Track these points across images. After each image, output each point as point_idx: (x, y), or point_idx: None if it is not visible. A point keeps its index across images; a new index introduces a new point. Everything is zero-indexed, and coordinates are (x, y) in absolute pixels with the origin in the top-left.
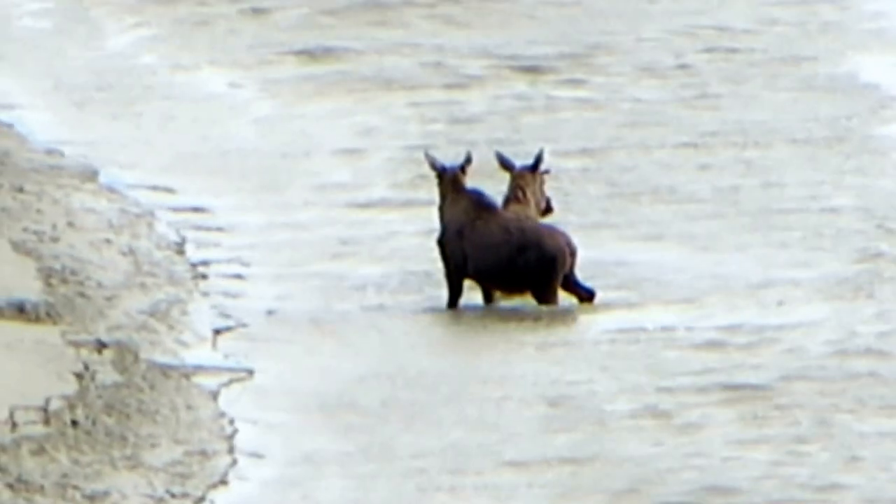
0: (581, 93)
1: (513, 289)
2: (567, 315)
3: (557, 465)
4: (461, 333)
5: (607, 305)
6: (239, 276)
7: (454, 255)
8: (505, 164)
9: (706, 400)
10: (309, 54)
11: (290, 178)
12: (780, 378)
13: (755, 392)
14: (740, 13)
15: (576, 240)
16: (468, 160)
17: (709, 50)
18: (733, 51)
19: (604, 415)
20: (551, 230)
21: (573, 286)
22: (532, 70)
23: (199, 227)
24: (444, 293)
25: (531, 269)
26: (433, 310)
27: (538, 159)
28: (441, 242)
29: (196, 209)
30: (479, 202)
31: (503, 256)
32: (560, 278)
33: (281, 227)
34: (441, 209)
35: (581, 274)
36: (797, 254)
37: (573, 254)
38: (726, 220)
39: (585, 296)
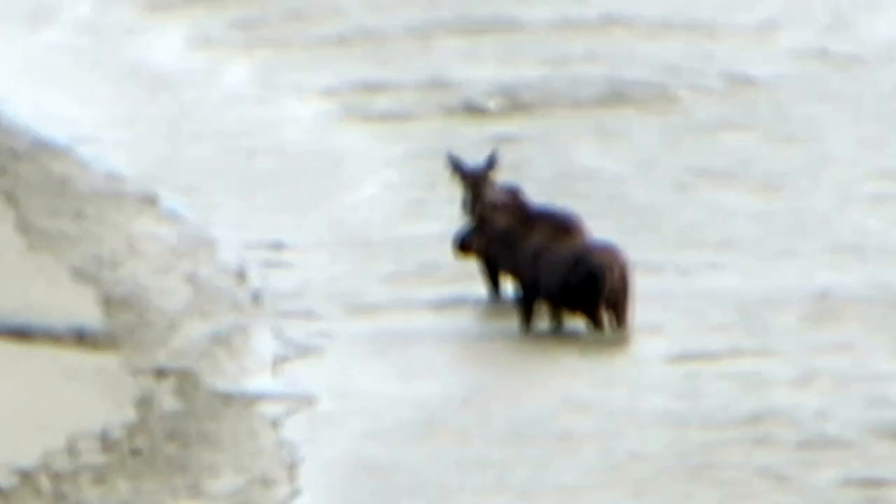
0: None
1: (568, 307)
2: (628, 340)
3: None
4: (525, 355)
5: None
6: (300, 302)
7: (527, 277)
8: (459, 168)
9: None
10: (354, 63)
11: (345, 195)
12: None
13: None
14: None
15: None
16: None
17: None
18: None
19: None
20: (602, 249)
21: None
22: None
23: (258, 252)
24: (504, 311)
25: (578, 287)
26: (500, 331)
27: (492, 161)
28: (515, 265)
29: (254, 233)
30: (558, 224)
31: (561, 275)
32: (603, 298)
33: (340, 248)
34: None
35: None
36: None
37: (618, 272)
38: None
39: (596, 324)
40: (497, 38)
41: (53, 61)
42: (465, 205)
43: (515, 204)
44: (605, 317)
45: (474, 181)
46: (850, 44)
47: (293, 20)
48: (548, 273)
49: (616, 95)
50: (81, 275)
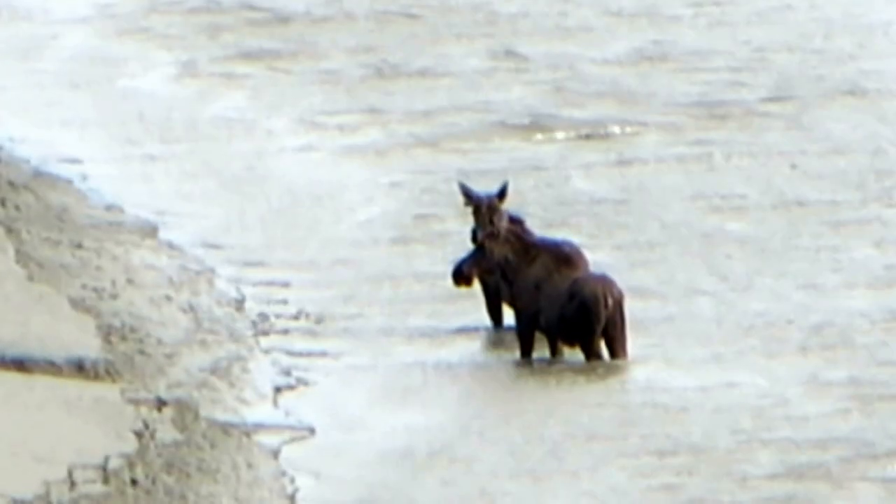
0: None
1: (565, 339)
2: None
3: None
4: (525, 385)
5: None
6: (299, 332)
7: (527, 308)
8: (468, 195)
9: None
10: (351, 90)
11: (343, 224)
12: None
13: None
14: None
15: None
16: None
17: None
18: None
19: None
20: (595, 281)
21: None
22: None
23: (257, 283)
24: (504, 339)
25: (573, 319)
26: (501, 361)
27: (503, 191)
28: (514, 296)
29: (253, 263)
30: (559, 255)
31: (557, 308)
32: (598, 329)
33: (339, 278)
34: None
35: None
36: None
37: (611, 303)
38: None
39: (593, 355)
40: (490, 70)
41: (51, 93)
42: (474, 232)
43: (517, 234)
44: (602, 347)
45: (484, 209)
46: (842, 72)
47: (288, 52)
48: (546, 305)
49: (611, 123)
50: (81, 305)
